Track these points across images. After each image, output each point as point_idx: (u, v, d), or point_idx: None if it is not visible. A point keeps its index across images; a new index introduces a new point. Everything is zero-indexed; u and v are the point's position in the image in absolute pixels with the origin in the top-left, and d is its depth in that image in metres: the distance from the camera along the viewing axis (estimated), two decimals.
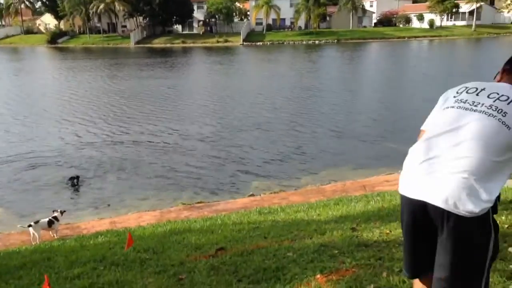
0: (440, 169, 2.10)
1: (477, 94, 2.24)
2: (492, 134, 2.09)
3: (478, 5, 76.16)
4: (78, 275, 4.21)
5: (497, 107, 2.13)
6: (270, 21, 78.21)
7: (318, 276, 3.83)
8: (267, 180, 11.95)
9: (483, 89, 2.26)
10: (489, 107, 2.14)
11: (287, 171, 12.69)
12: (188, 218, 7.59)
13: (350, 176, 11.61)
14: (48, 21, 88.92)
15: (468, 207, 2.02)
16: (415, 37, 72.88)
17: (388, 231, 4.95)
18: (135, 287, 3.86)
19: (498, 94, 2.20)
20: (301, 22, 79.12)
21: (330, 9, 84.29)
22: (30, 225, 7.42)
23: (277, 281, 3.80)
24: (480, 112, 2.14)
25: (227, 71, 39.27)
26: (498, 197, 2.13)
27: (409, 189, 2.20)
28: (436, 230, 2.15)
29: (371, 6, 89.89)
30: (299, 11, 76.56)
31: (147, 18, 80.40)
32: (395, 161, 12.66)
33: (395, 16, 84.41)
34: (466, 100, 2.23)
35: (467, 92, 2.27)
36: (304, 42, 70.53)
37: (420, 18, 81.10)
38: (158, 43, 74.70)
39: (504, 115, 2.11)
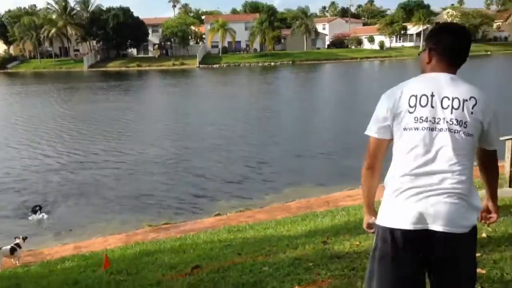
0: (433, 196, 2.17)
1: (432, 106, 2.23)
2: (464, 151, 2.21)
3: (424, 27, 79.70)
4: None
5: (457, 120, 2.20)
6: (226, 44, 79.02)
7: (296, 287, 3.92)
8: (231, 200, 11.97)
9: (432, 95, 2.24)
10: (451, 122, 2.20)
11: (250, 190, 12.75)
12: (156, 239, 7.52)
13: (312, 193, 11.78)
14: None
15: (469, 222, 2.20)
16: (367, 58, 75.33)
17: (358, 243, 5.11)
18: None
19: (449, 98, 2.22)
20: (257, 45, 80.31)
21: (285, 31, 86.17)
22: None
23: None
24: (445, 130, 2.20)
25: (184, 93, 39.21)
26: None
27: (404, 221, 2.20)
28: (422, 267, 2.24)
29: (324, 28, 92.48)
30: (254, 34, 77.74)
31: (101, 42, 79.54)
32: (353, 177, 13.09)
33: (347, 38, 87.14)
34: (427, 118, 2.22)
35: (421, 105, 2.24)
36: (260, 64, 71.53)
37: (371, 40, 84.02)
38: (113, 66, 73.86)
39: (465, 126, 2.20)
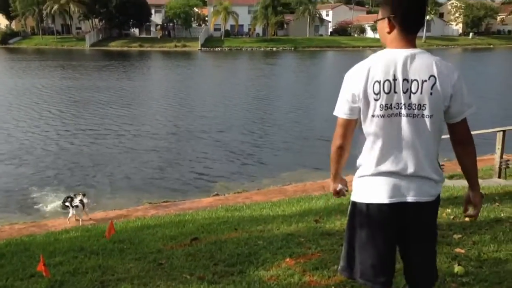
0: (402, 178, 2.38)
1: (395, 91, 2.29)
2: (425, 134, 2.34)
3: (429, 17, 79.37)
4: (61, 262, 4.42)
5: (416, 104, 2.29)
6: (229, 27, 78.74)
7: (288, 259, 4.22)
8: (229, 181, 12.29)
9: (394, 79, 2.30)
10: (409, 107, 2.30)
11: (248, 174, 13.08)
12: (156, 216, 7.83)
13: (309, 178, 12.09)
14: None
15: (436, 191, 2.46)
16: (370, 46, 75.01)
17: None
18: (118, 271, 4.13)
19: (408, 81, 2.29)
20: (259, 29, 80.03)
21: (288, 17, 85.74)
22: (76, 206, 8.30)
23: (250, 264, 4.15)
24: (406, 116, 2.31)
25: (185, 76, 39.29)
26: None
27: (380, 196, 2.40)
28: (395, 234, 2.48)
29: (327, 15, 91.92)
30: (257, 18, 77.43)
31: (103, 21, 79.13)
32: (349, 163, 13.21)
33: (350, 26, 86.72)
34: (391, 105, 2.30)
35: (385, 92, 2.30)
36: (262, 49, 71.37)
37: (374, 28, 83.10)
38: (115, 46, 73.55)
39: (424, 108, 2.30)
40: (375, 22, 2.53)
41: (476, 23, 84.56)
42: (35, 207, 10.23)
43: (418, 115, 2.32)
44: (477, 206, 2.52)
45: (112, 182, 12.16)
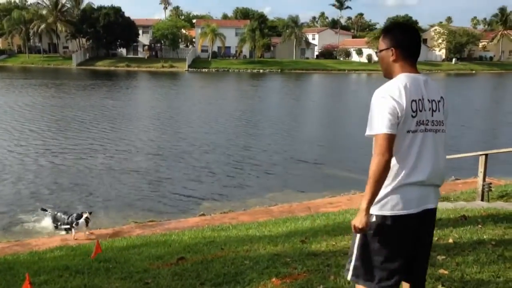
0: (427, 185, 2.67)
1: (425, 109, 2.61)
2: (443, 146, 2.75)
3: None
4: (46, 281, 4.39)
5: (437, 121, 2.68)
6: (216, 49, 79.40)
7: (274, 279, 4.24)
8: (215, 201, 12.28)
9: (423, 98, 2.61)
10: (432, 124, 2.65)
11: (234, 194, 13.07)
12: (142, 235, 7.79)
13: (294, 199, 12.12)
14: None
15: (440, 196, 2.84)
16: (355, 70, 76.16)
17: (334, 243, 5.45)
18: None
19: (429, 101, 2.65)
20: (246, 51, 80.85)
21: (275, 39, 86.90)
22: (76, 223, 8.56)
23: (237, 284, 4.16)
24: (432, 131, 2.66)
25: (171, 96, 39.35)
26: None
27: (409, 206, 2.61)
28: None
29: (313, 39, 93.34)
30: (244, 40, 78.28)
31: (91, 40, 79.26)
32: (334, 185, 13.59)
33: (336, 49, 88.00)
34: (423, 121, 2.60)
35: (419, 110, 2.58)
36: (248, 71, 72.02)
37: (359, 52, 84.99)
38: (102, 65, 73.62)
39: (442, 124, 2.71)
40: (380, 51, 2.78)
41: (459, 49, 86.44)
42: (17, 226, 10.08)
43: (439, 130, 2.71)
44: None
45: (97, 202, 12.05)
